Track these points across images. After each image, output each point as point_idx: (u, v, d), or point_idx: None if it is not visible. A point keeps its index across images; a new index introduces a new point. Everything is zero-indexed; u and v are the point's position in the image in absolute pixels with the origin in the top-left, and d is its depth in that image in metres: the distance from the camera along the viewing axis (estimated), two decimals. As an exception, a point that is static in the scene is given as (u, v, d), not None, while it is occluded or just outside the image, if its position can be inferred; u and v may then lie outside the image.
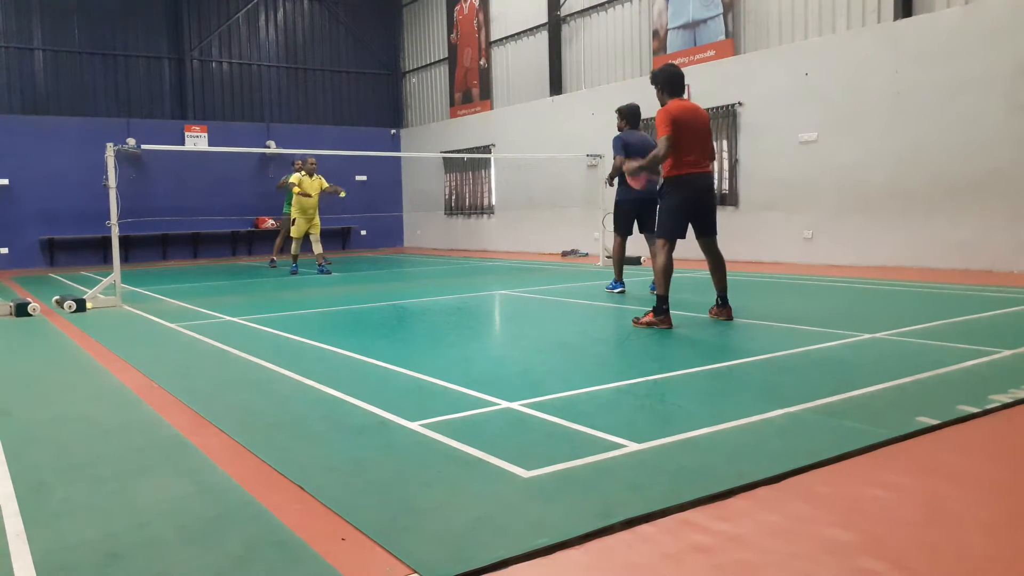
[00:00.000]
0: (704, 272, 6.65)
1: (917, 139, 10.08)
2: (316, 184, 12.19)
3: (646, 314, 5.99)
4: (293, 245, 12.37)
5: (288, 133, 18.92)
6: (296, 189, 12.05)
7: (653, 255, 8.25)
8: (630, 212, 8.07)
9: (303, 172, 12.17)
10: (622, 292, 8.21)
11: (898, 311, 6.57)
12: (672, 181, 5.93)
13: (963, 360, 4.37)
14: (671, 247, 5.98)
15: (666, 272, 5.91)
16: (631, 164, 6.88)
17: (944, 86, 9.76)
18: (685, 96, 6.26)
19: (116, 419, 3.70)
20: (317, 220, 12.30)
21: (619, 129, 8.18)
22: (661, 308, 5.85)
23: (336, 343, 5.57)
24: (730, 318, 6.09)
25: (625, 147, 7.82)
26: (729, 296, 6.19)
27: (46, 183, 16.01)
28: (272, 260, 14.06)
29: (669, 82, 6.02)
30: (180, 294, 9.52)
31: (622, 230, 8.16)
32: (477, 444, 3.04)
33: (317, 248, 12.40)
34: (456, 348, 5.42)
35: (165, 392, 4.18)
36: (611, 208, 8.39)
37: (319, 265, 12.33)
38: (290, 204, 12.65)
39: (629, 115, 8.13)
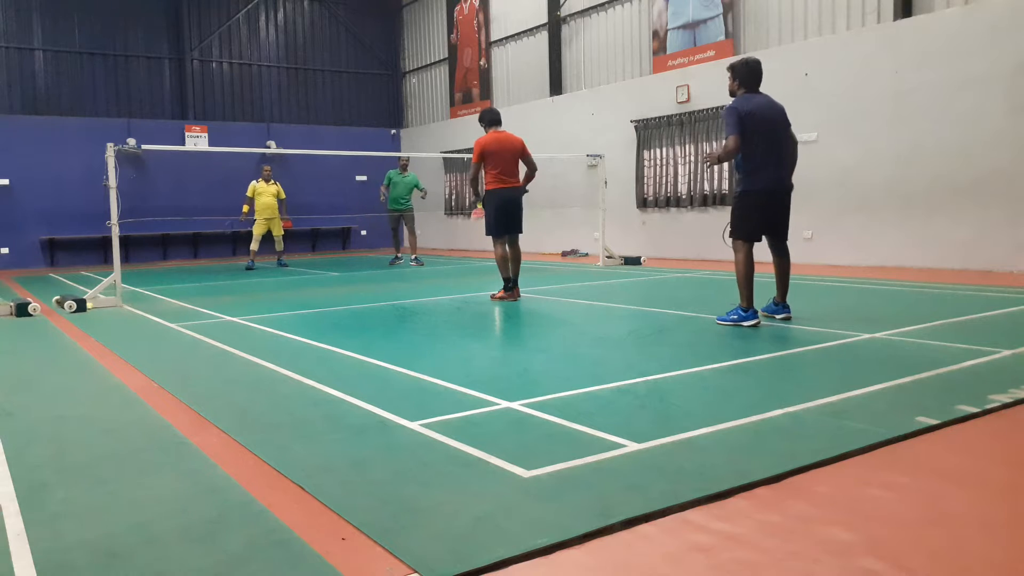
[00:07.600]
0: (705, 273, 6.63)
1: (917, 139, 10.07)
2: (272, 189, 13.78)
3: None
4: (253, 242, 13.84)
5: (288, 133, 18.91)
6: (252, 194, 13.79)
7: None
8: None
9: (260, 179, 13.85)
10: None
11: (898, 311, 6.57)
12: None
13: (963, 360, 4.37)
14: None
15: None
16: (714, 154, 6.24)
17: (944, 86, 9.76)
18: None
19: (116, 419, 3.70)
20: (277, 220, 13.85)
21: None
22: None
23: (336, 343, 5.56)
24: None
25: None
26: (727, 296, 6.20)
27: (46, 183, 16.00)
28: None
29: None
30: (180, 294, 9.52)
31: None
32: (477, 444, 3.04)
33: (279, 246, 14.22)
34: (456, 348, 5.42)
35: (165, 392, 4.18)
36: (609, 208, 8.28)
37: (278, 260, 14.35)
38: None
39: None
